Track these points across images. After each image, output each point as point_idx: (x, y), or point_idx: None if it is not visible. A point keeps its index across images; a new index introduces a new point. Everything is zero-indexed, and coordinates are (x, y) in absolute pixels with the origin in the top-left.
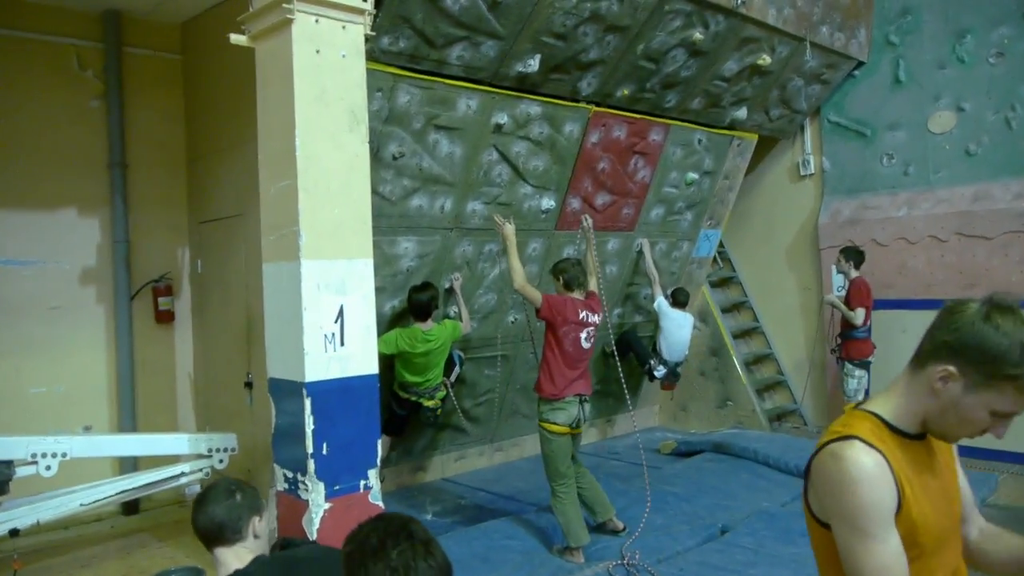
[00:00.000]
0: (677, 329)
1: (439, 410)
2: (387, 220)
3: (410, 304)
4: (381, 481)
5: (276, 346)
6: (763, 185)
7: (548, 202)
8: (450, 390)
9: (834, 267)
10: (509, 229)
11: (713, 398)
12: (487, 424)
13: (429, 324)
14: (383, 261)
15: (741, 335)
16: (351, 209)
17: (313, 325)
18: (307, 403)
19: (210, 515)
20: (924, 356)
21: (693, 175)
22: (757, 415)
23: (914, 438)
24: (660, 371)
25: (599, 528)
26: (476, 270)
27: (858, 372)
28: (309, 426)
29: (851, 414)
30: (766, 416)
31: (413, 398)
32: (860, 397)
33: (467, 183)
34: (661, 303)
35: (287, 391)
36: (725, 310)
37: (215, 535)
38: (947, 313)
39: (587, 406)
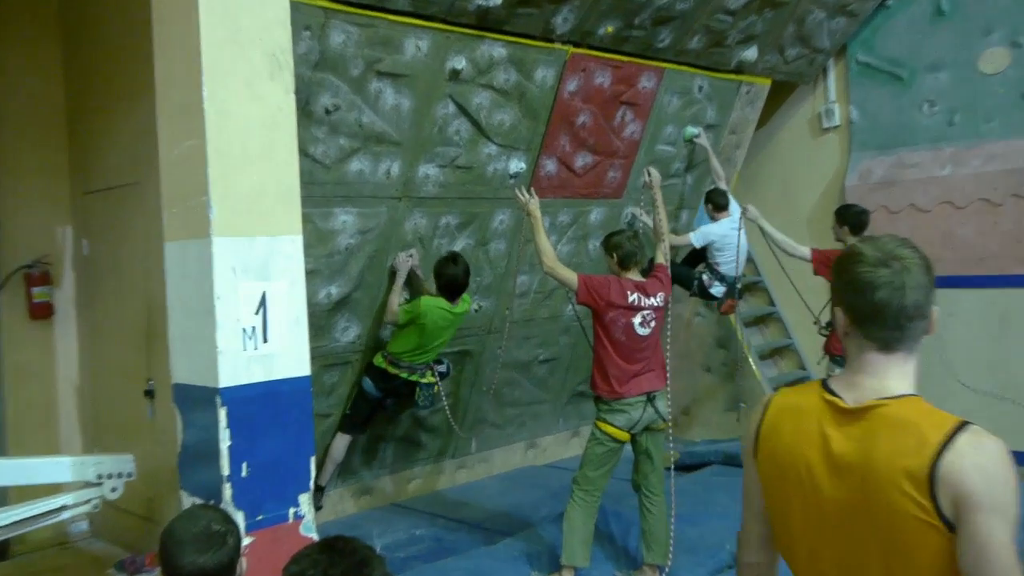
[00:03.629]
0: (728, 238)
1: (436, 387)
2: (320, 188)
3: (441, 280)
4: (317, 509)
5: (183, 345)
6: (778, 140)
7: (517, 164)
8: (439, 381)
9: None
10: (534, 204)
11: (721, 400)
12: (445, 435)
13: (455, 301)
14: (316, 238)
15: (754, 323)
16: (274, 175)
17: (228, 318)
18: (222, 414)
19: (200, 564)
20: (912, 323)
21: (693, 129)
22: None
23: None
24: (717, 287)
25: (639, 569)
26: (431, 247)
27: (837, 371)
28: (224, 442)
29: (916, 401)
30: None
31: (404, 374)
32: None
33: (418, 142)
34: (699, 235)
35: (197, 400)
36: None
37: None
38: (888, 288)
39: (660, 403)
